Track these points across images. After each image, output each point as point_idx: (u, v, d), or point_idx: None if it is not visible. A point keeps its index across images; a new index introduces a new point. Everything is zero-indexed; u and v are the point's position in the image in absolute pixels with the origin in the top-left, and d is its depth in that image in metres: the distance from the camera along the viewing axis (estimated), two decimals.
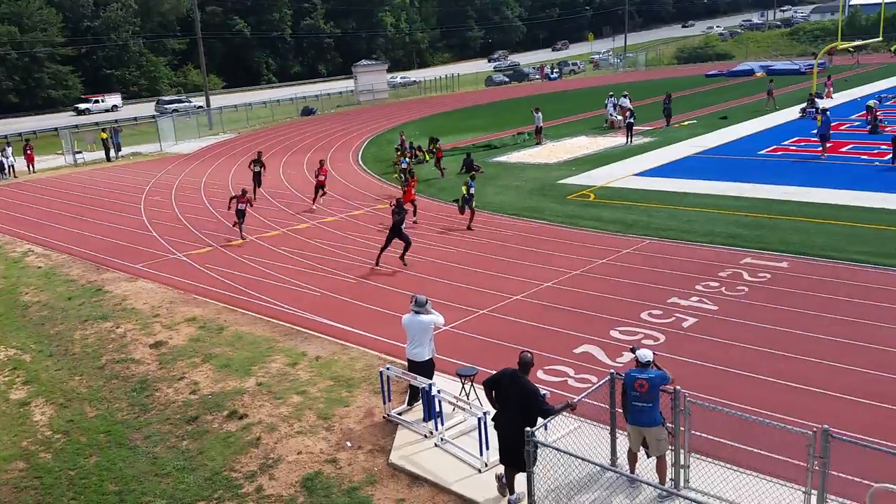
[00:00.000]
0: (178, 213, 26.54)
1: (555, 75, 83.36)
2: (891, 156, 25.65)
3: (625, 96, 40.66)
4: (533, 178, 28.34)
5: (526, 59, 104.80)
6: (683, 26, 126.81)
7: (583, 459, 8.21)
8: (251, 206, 22.76)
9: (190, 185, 32.75)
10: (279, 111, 63.68)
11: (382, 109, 62.89)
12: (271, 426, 10.94)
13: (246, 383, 12.39)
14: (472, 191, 21.22)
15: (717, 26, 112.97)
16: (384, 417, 10.86)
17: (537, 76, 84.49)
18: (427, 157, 33.53)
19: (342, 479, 9.52)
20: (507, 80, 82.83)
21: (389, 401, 10.89)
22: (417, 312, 10.68)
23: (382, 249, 18.32)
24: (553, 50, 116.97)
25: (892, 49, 70.69)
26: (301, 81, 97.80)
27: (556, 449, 8.04)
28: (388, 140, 40.93)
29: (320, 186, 25.49)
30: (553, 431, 9.74)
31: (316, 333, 14.31)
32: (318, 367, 12.73)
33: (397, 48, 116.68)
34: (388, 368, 10.93)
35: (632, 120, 35.14)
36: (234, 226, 22.15)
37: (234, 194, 22.31)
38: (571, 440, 9.49)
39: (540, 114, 36.87)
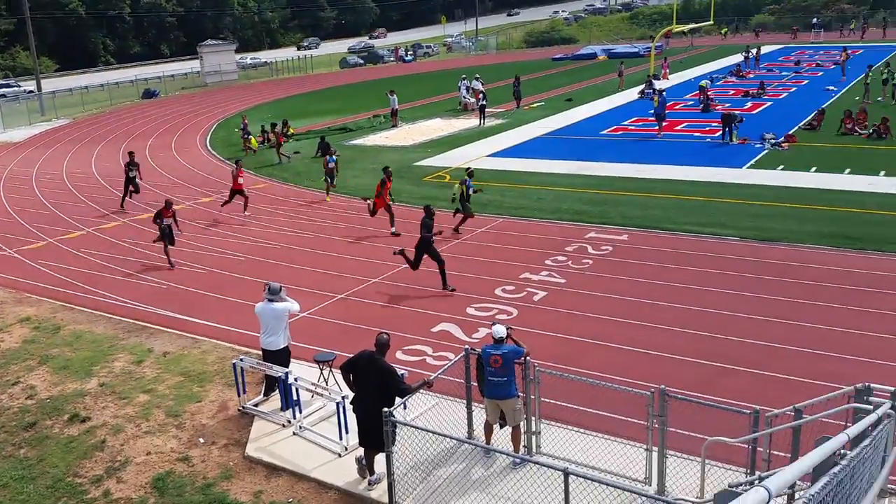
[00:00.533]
0: (6, 206, 24.50)
1: (409, 57, 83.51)
2: (720, 133, 27.64)
3: (477, 79, 41.40)
4: (389, 160, 28.22)
5: (340, 45, 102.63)
6: (508, 14, 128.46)
7: (440, 435, 8.40)
8: (176, 221, 17.37)
9: (20, 175, 30.29)
10: (118, 94, 60.05)
11: (231, 91, 60.72)
12: (117, 428, 10.39)
13: (87, 385, 11.68)
14: (472, 190, 18.32)
15: (563, 11, 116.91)
16: (239, 410, 10.58)
17: (392, 58, 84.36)
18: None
19: (196, 477, 9.20)
20: (361, 61, 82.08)
21: (244, 392, 10.61)
22: (271, 300, 10.46)
23: (413, 266, 15.10)
24: (370, 38, 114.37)
25: (723, 32, 76.08)
26: (142, 63, 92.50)
27: (414, 427, 8.16)
28: (238, 124, 39.55)
29: (238, 192, 20.93)
30: (412, 410, 9.87)
31: (163, 328, 13.69)
32: (165, 364, 12.20)
33: (246, 28, 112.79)
34: (241, 359, 10.65)
35: (484, 102, 35.86)
36: (157, 241, 17.20)
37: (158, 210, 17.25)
38: (430, 417, 9.67)
39: (395, 96, 36.87)
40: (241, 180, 20.90)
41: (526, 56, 76.06)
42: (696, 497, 7.86)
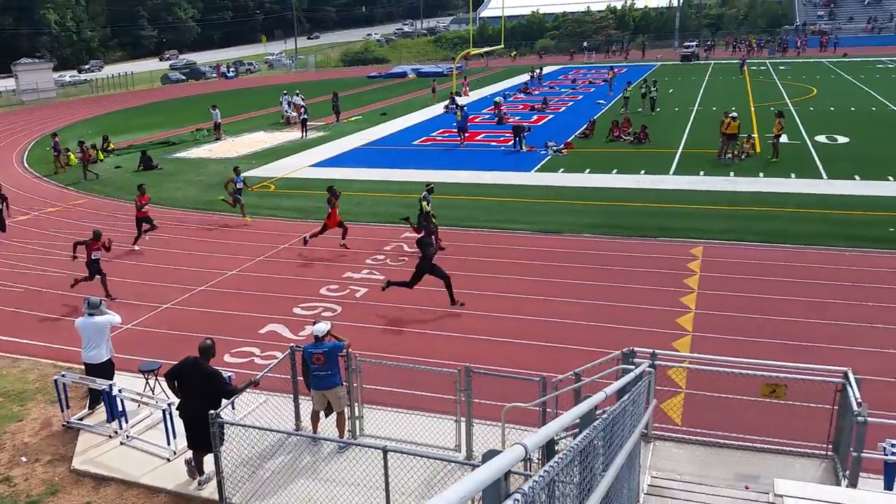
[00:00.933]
0: None
1: (231, 74, 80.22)
2: (512, 142, 28.95)
3: (297, 94, 40.59)
4: (214, 171, 27.04)
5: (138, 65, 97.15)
6: (309, 38, 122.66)
7: (267, 430, 8.15)
8: (106, 250, 14.49)
9: None
10: None
11: (50, 109, 55.15)
12: None
13: None
14: (427, 203, 16.69)
15: (376, 33, 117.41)
16: (64, 426, 9.63)
17: (214, 74, 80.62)
18: (101, 157, 30.31)
19: (18, 496, 8.27)
20: (184, 77, 77.72)
21: (68, 408, 9.68)
22: (91, 314, 9.65)
23: (409, 285, 13.21)
24: (161, 59, 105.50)
25: (512, 54, 79.81)
26: None
27: (241, 425, 7.87)
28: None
29: (145, 220, 17.72)
30: (241, 409, 9.48)
31: None
32: None
33: (64, 46, 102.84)
34: (63, 375, 9.71)
35: (305, 116, 35.25)
36: (77, 284, 14.18)
37: (80, 239, 14.64)
38: (259, 414, 9.34)
39: (217, 110, 35.28)
40: (145, 207, 17.72)
41: (343, 74, 75.59)
42: None
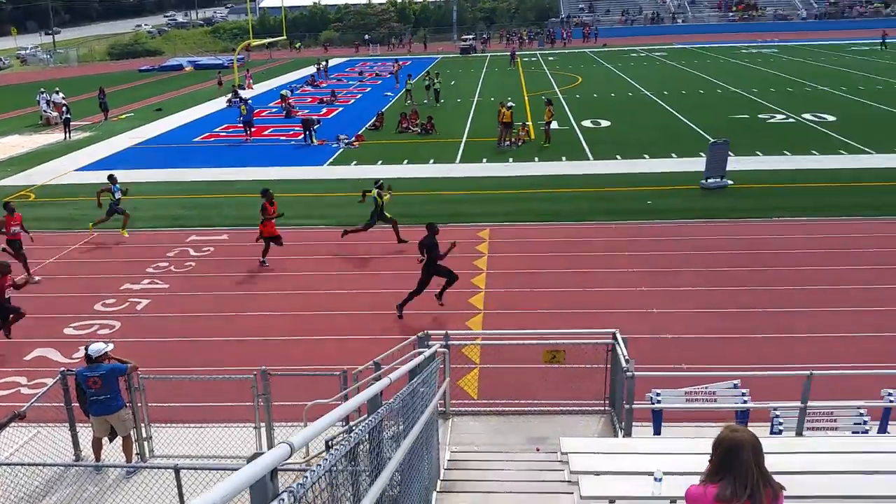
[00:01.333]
0: None
1: None
2: (302, 136, 28.52)
3: (57, 92, 36.69)
4: None
5: None
6: (46, 33, 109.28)
7: (41, 465, 7.39)
8: (15, 287, 12.17)
9: None
10: None
11: None
12: None
13: None
14: (380, 201, 15.75)
15: (146, 24, 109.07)
16: None
17: None
18: None
19: None
20: None
21: None
22: None
23: (414, 294, 12.35)
24: None
25: (297, 46, 78.26)
26: None
27: (9, 463, 7.06)
28: None
29: (15, 244, 14.73)
30: (6, 446, 8.45)
31: None
32: None
33: None
34: None
35: (68, 115, 31.99)
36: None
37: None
38: (30, 448, 8.45)
39: None
40: (15, 228, 14.72)
41: (110, 68, 69.36)
42: (303, 458, 8.10)
